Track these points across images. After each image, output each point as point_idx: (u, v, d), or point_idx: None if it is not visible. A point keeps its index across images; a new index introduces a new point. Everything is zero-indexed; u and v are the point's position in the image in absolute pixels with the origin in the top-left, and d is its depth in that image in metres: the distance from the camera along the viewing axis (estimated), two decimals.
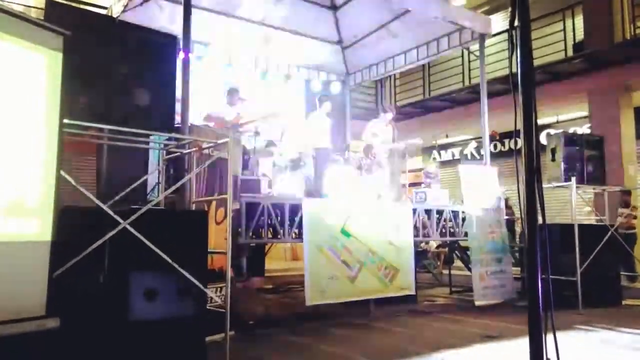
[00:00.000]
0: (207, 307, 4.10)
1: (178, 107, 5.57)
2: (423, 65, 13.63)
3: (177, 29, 5.72)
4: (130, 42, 3.78)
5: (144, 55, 3.88)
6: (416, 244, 7.53)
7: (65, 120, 2.84)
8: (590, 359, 4.29)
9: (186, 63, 5.45)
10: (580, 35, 11.19)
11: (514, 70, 2.45)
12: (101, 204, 3.18)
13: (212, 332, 4.09)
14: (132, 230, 3.20)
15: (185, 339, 3.55)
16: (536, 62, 9.18)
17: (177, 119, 5.53)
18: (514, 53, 2.38)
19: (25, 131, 2.59)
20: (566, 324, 5.53)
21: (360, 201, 6.26)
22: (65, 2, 4.05)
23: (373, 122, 8.34)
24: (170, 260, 3.33)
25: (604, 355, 4.45)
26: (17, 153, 2.53)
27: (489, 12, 12.50)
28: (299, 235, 5.79)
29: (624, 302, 7.10)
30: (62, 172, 2.80)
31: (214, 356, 3.78)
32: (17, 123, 2.55)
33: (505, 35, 11.30)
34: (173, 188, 4.00)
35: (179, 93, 5.30)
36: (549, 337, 2.35)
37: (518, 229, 9.29)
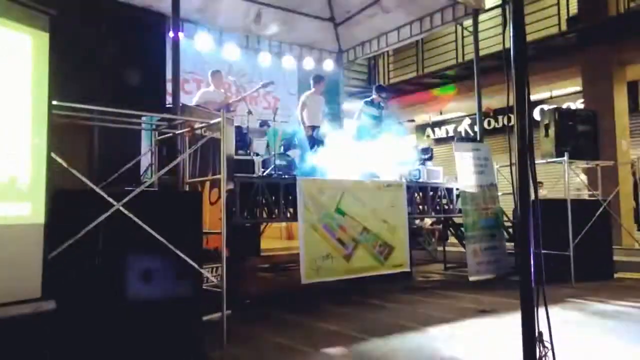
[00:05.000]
0: (204, 287, 4.13)
1: (169, 87, 5.53)
2: (416, 42, 13.54)
3: (165, 8, 5.64)
4: (119, 21, 3.73)
5: (133, 35, 3.83)
6: (411, 222, 7.56)
7: (55, 102, 2.81)
8: (582, 332, 4.36)
9: (176, 42, 5.39)
10: (574, 10, 11.10)
11: (507, 45, 2.43)
12: (94, 186, 3.17)
13: (209, 312, 4.12)
14: (126, 212, 3.19)
15: (183, 319, 3.58)
16: (530, 37, 9.12)
17: (168, 99, 5.50)
18: (507, 28, 2.37)
19: (14, 114, 2.56)
20: (558, 298, 5.61)
21: (355, 179, 6.27)
22: None
23: (364, 102, 8.29)
24: (165, 241, 3.34)
25: (595, 328, 4.53)
26: (5, 136, 2.51)
27: None
28: (294, 215, 5.80)
29: (616, 276, 7.20)
30: (53, 155, 2.78)
31: (211, 335, 3.82)
32: (4, 105, 2.51)
33: (499, 11, 11.21)
34: (166, 169, 3.98)
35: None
36: (541, 311, 2.39)
37: None
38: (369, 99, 8.26)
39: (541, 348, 2.38)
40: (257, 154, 6.91)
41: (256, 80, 10.17)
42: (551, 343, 2.41)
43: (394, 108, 12.45)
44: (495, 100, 11.64)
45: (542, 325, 2.40)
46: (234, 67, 9.43)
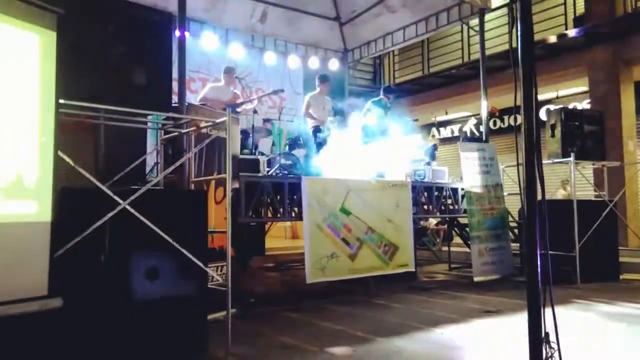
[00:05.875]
0: (209, 286, 4.13)
1: (175, 86, 5.53)
2: (422, 42, 13.51)
3: (172, 7, 5.66)
4: (125, 20, 3.72)
5: (139, 34, 3.82)
6: (416, 221, 7.55)
7: (61, 101, 2.82)
8: (588, 333, 4.35)
9: (182, 41, 5.40)
10: (580, 9, 11.04)
11: (514, 45, 2.42)
12: (100, 185, 3.17)
13: (213, 310, 4.13)
14: (132, 210, 3.20)
15: (188, 318, 3.58)
16: (536, 37, 9.08)
17: (174, 98, 5.50)
18: (514, 27, 2.36)
19: (21, 112, 2.56)
20: (564, 299, 5.59)
21: (359, 179, 6.26)
22: None
23: (371, 101, 8.28)
24: (170, 240, 3.34)
25: (602, 329, 4.51)
26: (12, 135, 2.52)
27: None
28: (299, 214, 5.80)
29: (622, 277, 7.16)
30: (60, 153, 2.78)
31: (216, 334, 3.82)
32: (11, 104, 2.52)
33: (505, 10, 11.18)
34: (172, 168, 3.99)
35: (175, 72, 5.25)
36: (547, 312, 2.38)
37: None
38: (376, 99, 8.26)
39: (548, 349, 2.37)
40: (262, 153, 6.92)
41: (261, 79, 10.18)
42: (558, 344, 2.40)
43: (400, 107, 12.44)
44: (501, 99, 11.60)
45: (548, 326, 2.39)
46: (240, 66, 9.43)
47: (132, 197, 3.22)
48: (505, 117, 13.90)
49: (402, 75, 15.24)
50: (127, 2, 3.90)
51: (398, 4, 9.35)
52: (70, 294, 2.71)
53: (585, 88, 11.44)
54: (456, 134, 15.46)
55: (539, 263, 2.32)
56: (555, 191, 9.96)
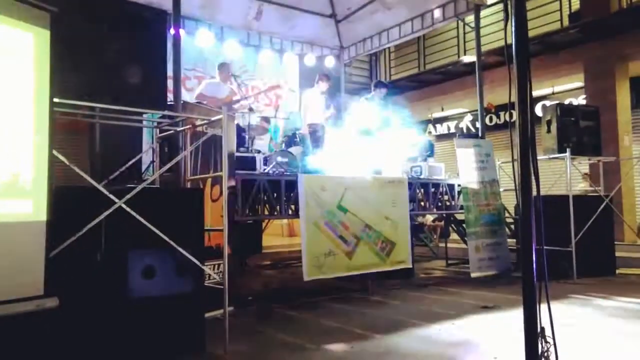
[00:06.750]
0: (206, 284, 4.13)
1: (170, 84, 5.52)
2: (418, 38, 13.51)
3: (166, 4, 5.64)
4: (120, 18, 3.72)
5: (134, 32, 3.82)
6: (412, 218, 7.56)
7: (56, 99, 2.81)
8: (584, 328, 4.36)
9: (177, 39, 5.38)
10: (576, 5, 11.06)
11: (508, 41, 2.42)
12: (96, 184, 3.17)
13: (211, 309, 4.13)
14: (128, 209, 3.20)
15: (185, 316, 3.59)
16: (531, 33, 9.09)
17: (170, 96, 5.48)
18: (509, 23, 2.36)
19: (15, 111, 2.56)
20: (560, 294, 5.61)
21: (356, 176, 6.26)
22: None
23: (365, 98, 8.29)
24: (167, 238, 3.34)
25: (598, 324, 4.52)
26: (7, 134, 2.51)
27: None
28: (296, 212, 5.80)
29: (618, 272, 7.19)
30: (55, 152, 2.78)
31: (214, 332, 3.82)
32: (6, 103, 2.51)
33: (501, 6, 11.17)
34: (167, 166, 3.99)
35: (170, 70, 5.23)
36: (543, 307, 2.39)
37: None
38: (369, 95, 8.25)
39: (543, 343, 2.38)
40: (259, 151, 6.92)
41: (257, 77, 10.17)
42: (553, 339, 2.41)
43: (396, 104, 12.44)
44: (497, 95, 11.62)
45: (544, 321, 2.40)
46: (235, 63, 9.43)
47: (128, 196, 3.22)
48: (501, 113, 13.93)
49: (398, 72, 15.24)
50: (122, 0, 3.89)
51: (394, 1, 9.34)
52: (66, 293, 2.71)
53: (581, 84, 11.46)
54: (452, 130, 15.48)
55: (534, 258, 2.33)
56: (551, 186, 9.98)
